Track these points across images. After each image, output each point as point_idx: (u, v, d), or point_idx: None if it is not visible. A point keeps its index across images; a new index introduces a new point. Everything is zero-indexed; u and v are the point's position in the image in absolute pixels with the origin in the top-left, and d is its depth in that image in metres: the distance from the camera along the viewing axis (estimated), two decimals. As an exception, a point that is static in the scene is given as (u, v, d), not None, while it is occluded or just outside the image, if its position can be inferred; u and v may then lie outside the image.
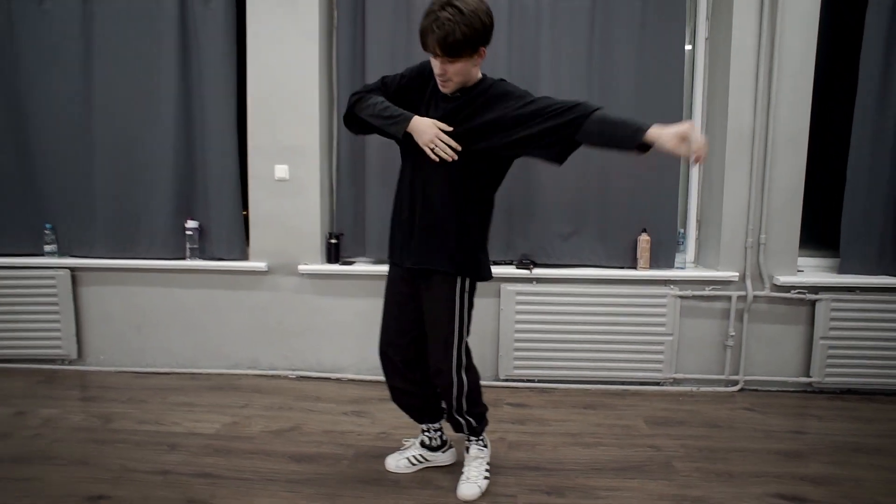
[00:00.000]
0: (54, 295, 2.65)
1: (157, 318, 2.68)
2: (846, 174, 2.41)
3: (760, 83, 2.35)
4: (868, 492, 1.64)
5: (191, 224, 2.64)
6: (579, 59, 2.43)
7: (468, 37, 1.29)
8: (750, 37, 2.34)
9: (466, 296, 1.52)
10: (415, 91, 1.51)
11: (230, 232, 2.64)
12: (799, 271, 2.51)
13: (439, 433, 1.74)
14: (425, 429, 1.73)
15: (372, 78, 2.42)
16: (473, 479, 1.61)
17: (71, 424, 2.05)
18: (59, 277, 2.64)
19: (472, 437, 1.68)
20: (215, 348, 2.66)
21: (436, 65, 1.37)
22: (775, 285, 2.44)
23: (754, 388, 2.52)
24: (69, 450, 1.85)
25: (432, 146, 1.38)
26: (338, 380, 2.58)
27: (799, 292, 2.44)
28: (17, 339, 2.68)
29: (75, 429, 2.02)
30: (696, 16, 2.55)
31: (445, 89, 1.42)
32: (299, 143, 2.50)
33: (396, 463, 1.74)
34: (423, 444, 1.75)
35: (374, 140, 2.45)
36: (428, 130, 1.39)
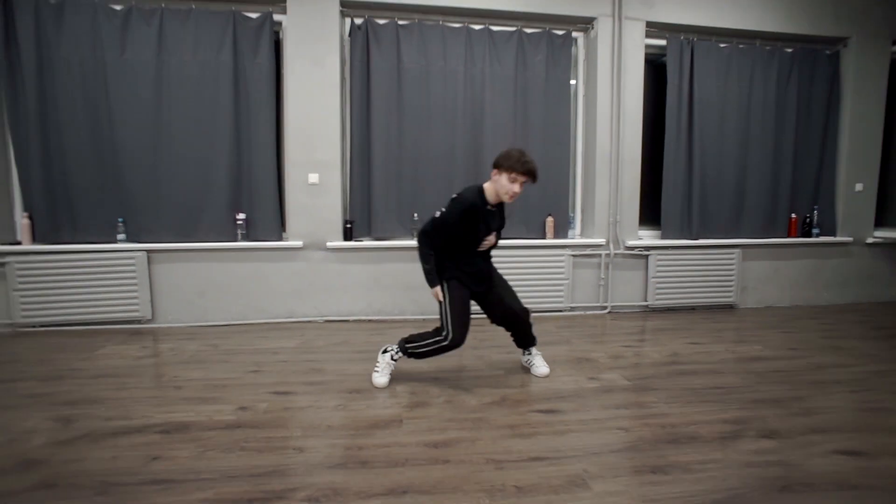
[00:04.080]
0: (132, 271, 3.52)
1: (214, 286, 3.65)
2: (662, 180, 4.10)
3: (613, 126, 3.95)
4: (665, 345, 3.21)
5: (240, 216, 3.65)
6: (507, 106, 3.86)
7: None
8: (607, 98, 3.92)
9: None
10: (467, 223, 2.30)
11: (270, 221, 3.69)
12: (639, 238, 4.15)
13: None
14: (400, 357, 2.54)
15: (375, 114, 3.67)
16: (544, 364, 2.67)
17: (193, 349, 3.04)
18: (138, 257, 3.52)
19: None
20: (261, 305, 3.70)
21: (513, 187, 2.24)
22: (625, 246, 4.06)
23: (617, 310, 4.12)
24: (210, 358, 2.87)
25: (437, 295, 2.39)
26: (354, 320, 3.75)
27: (638, 250, 4.08)
28: (99, 306, 3.50)
29: (198, 351, 3.01)
30: (577, 81, 4.09)
31: (512, 200, 2.31)
32: (325, 158, 3.64)
33: (386, 380, 2.48)
34: (392, 359, 2.53)
35: (378, 156, 3.69)
36: (435, 294, 2.39)
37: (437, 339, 2.42)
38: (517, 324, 2.63)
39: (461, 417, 2.10)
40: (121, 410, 2.14)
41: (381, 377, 2.51)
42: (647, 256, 4.10)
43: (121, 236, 3.56)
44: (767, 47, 4.13)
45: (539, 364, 2.71)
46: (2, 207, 3.51)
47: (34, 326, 3.47)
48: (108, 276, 3.49)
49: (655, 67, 4.17)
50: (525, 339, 2.72)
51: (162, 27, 3.47)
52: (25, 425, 2.01)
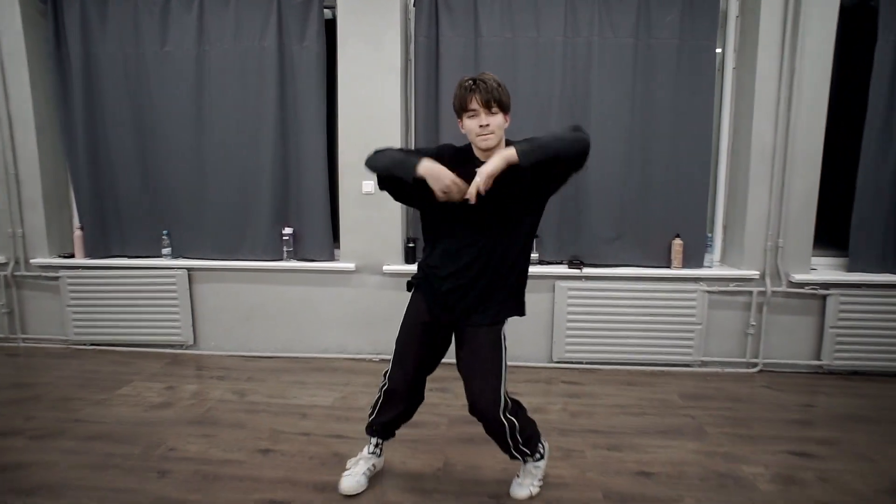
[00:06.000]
0: (174, 291, 3.16)
1: (260, 310, 3.17)
2: (856, 185, 2.80)
3: (781, 108, 2.73)
4: (872, 459, 2.04)
5: (287, 231, 3.11)
6: (623, 88, 2.83)
7: (504, 94, 1.51)
8: (773, 68, 2.72)
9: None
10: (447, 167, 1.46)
11: (321, 237, 3.10)
12: (812, 269, 2.90)
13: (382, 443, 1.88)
14: (378, 442, 1.86)
15: (445, 103, 2.87)
16: (527, 485, 1.78)
17: (215, 397, 2.56)
18: (179, 276, 3.14)
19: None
20: (309, 336, 3.15)
21: (476, 122, 1.50)
22: (791, 282, 2.85)
23: (771, 369, 2.94)
24: (225, 417, 2.35)
25: (447, 191, 1.41)
26: (415, 362, 3.05)
27: (812, 288, 2.84)
28: (143, 327, 3.20)
29: (220, 400, 2.52)
30: (724, 47, 2.92)
31: (487, 143, 1.51)
32: (382, 162, 2.94)
33: (357, 482, 1.79)
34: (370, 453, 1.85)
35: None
36: (444, 176, 1.40)
37: (381, 384, 1.80)
38: (479, 418, 1.65)
39: None
40: (78, 513, 1.66)
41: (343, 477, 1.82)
42: (824, 297, 2.85)
43: (165, 251, 3.21)
44: None
45: (523, 481, 1.78)
46: (61, 219, 3.34)
47: (85, 344, 3.27)
48: (151, 295, 3.17)
49: (851, 16, 2.81)
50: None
51: (202, 12, 2.98)
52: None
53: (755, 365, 2.94)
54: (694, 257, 2.92)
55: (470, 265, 1.59)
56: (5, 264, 3.24)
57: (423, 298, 1.70)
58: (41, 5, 3.08)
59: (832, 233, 2.96)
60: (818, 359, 2.90)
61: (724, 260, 3.06)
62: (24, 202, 3.19)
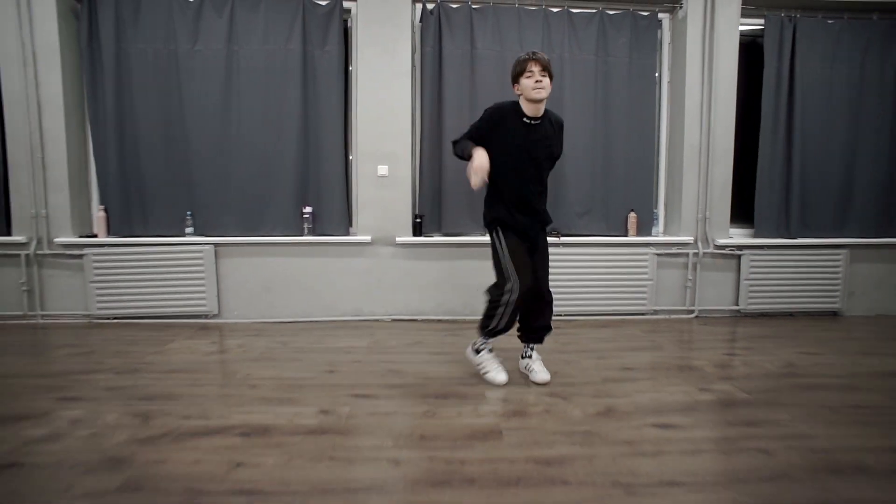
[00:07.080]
0: (201, 265, 3.47)
1: (280, 282, 3.55)
2: (756, 174, 3.71)
3: (704, 114, 3.60)
4: (774, 354, 2.85)
5: (307, 210, 3.54)
6: (588, 93, 3.58)
7: (551, 67, 2.17)
8: (696, 83, 3.59)
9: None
10: (496, 129, 2.21)
11: (337, 215, 3.56)
12: (730, 237, 3.77)
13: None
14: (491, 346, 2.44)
15: (446, 102, 3.48)
16: (543, 370, 2.39)
17: (261, 346, 2.93)
18: (206, 251, 3.46)
19: (537, 345, 2.49)
20: (327, 302, 3.57)
21: (532, 79, 2.11)
22: (715, 245, 3.69)
23: (704, 315, 3.75)
24: (280, 356, 2.74)
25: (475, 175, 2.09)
26: (423, 320, 3.56)
27: (730, 249, 3.70)
28: (168, 299, 3.47)
29: (267, 348, 2.90)
30: (661, 62, 3.77)
31: (540, 94, 2.11)
32: (395, 150, 3.48)
33: (501, 376, 2.35)
34: (480, 351, 2.43)
35: (450, 148, 3.49)
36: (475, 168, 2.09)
37: (503, 293, 2.21)
38: (539, 304, 2.34)
39: (568, 430, 1.86)
40: (197, 408, 2.02)
41: (495, 374, 2.36)
42: (739, 256, 3.71)
43: (189, 230, 3.51)
44: (887, 20, 3.67)
45: (538, 370, 2.40)
46: (81, 201, 3.54)
47: (108, 318, 3.47)
48: (177, 270, 3.45)
49: (749, 49, 3.79)
50: (534, 330, 2.42)
51: (233, 16, 3.41)
52: (107, 420, 1.92)
53: (692, 312, 3.74)
54: (645, 228, 3.70)
55: (533, 190, 2.32)
56: (27, 244, 3.40)
57: (516, 227, 2.29)
58: (76, 4, 3.36)
59: (743, 209, 3.85)
60: (737, 305, 3.75)
61: (666, 230, 3.86)
62: (50, 184, 3.39)
